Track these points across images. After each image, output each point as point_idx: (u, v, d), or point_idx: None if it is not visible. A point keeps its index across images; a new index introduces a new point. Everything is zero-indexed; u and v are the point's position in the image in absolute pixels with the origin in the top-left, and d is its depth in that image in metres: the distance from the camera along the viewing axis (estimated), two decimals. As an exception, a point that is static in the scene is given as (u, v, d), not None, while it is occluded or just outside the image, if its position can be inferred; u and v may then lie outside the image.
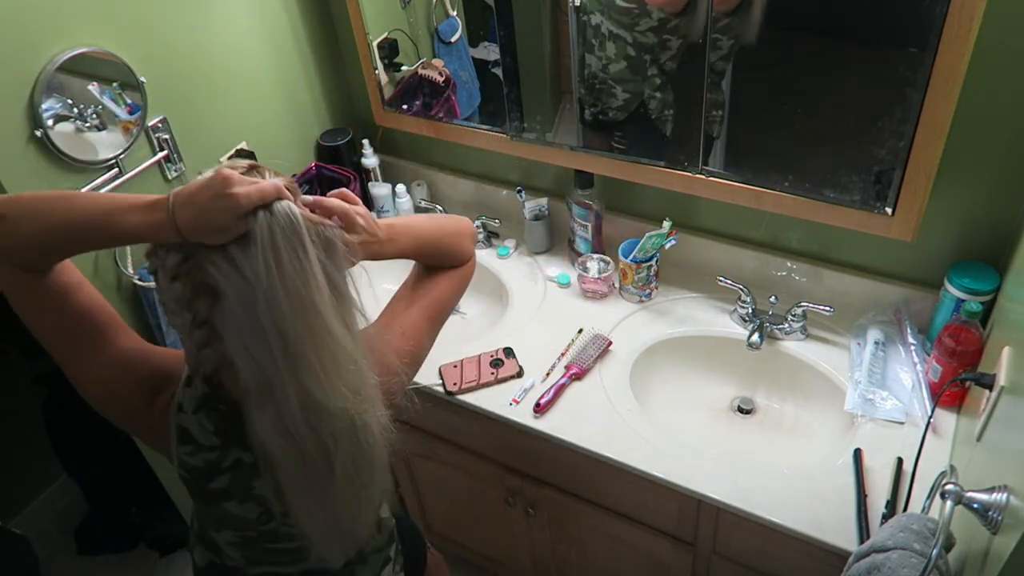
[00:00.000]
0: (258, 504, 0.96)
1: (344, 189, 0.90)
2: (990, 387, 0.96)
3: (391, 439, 0.92)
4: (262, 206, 0.76)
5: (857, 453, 1.25)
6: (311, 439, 0.83)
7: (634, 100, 1.48)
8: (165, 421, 0.94)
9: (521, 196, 1.74)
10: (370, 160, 1.88)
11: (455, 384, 1.47)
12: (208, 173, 0.79)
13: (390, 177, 1.94)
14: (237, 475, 0.94)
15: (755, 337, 1.44)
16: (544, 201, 1.75)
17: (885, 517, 1.15)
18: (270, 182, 0.78)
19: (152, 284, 1.44)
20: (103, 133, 1.38)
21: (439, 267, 1.08)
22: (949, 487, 0.81)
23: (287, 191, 0.79)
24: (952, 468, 0.93)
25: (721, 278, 1.53)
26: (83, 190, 0.87)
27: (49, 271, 0.88)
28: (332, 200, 0.87)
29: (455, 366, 1.51)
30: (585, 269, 1.64)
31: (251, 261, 0.76)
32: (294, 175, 1.80)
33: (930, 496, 1.02)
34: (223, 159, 0.83)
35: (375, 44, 1.73)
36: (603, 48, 1.45)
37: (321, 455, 0.85)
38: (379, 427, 0.89)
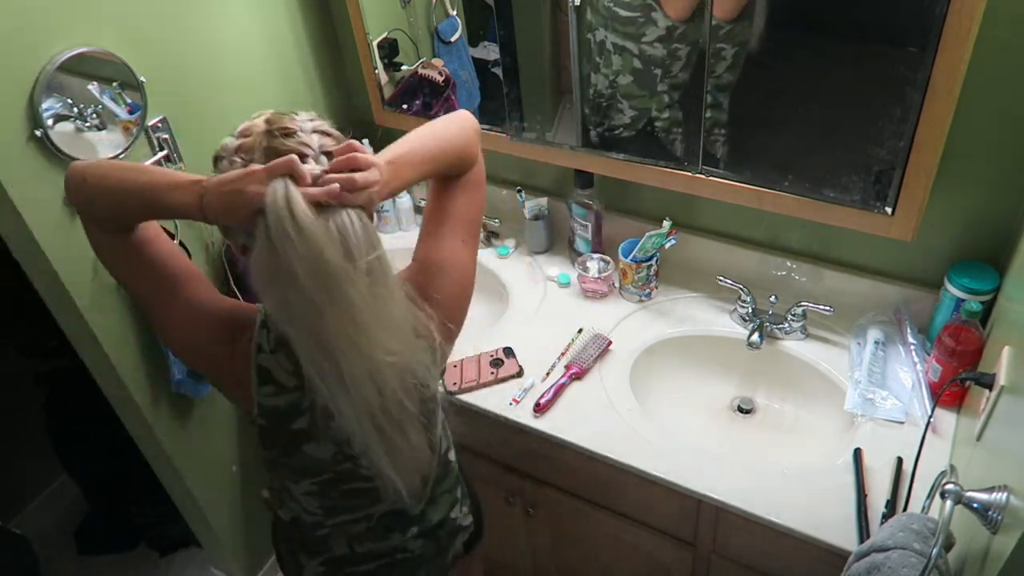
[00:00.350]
0: (334, 444, 1.00)
1: (351, 143, 0.88)
2: (990, 387, 0.96)
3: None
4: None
5: (857, 453, 1.25)
6: (369, 389, 0.87)
7: (641, 117, 1.46)
8: (246, 364, 0.97)
9: (521, 196, 1.74)
10: (370, 160, 1.88)
11: (455, 384, 1.47)
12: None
13: (390, 177, 1.94)
14: (315, 415, 0.98)
15: (755, 337, 1.44)
16: (544, 201, 1.75)
17: (885, 517, 1.15)
18: (279, 183, 0.80)
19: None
20: (103, 133, 1.38)
21: (452, 178, 1.05)
22: (949, 487, 0.81)
23: (298, 172, 0.81)
24: (952, 468, 0.93)
25: (721, 278, 1.53)
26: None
27: (130, 232, 0.96)
28: (334, 176, 0.84)
29: (455, 366, 1.51)
30: (585, 269, 1.64)
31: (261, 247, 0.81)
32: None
33: (930, 496, 1.02)
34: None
35: (375, 44, 1.73)
36: (609, 64, 1.43)
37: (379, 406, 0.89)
38: (426, 370, 0.92)
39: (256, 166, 0.82)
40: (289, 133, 0.88)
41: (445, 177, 1.04)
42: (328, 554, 1.15)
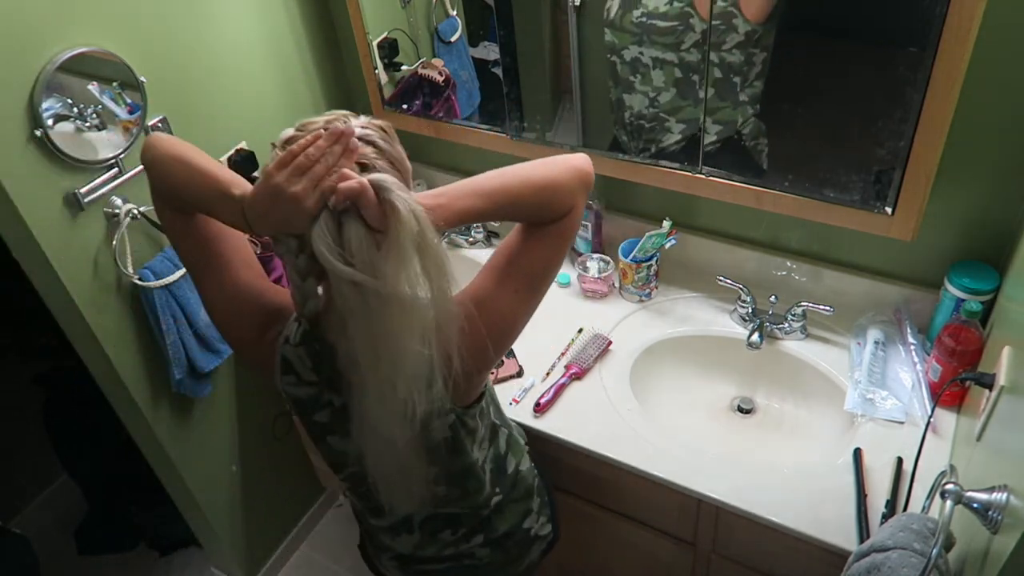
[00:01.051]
0: (356, 443, 1.00)
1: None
2: (990, 387, 0.96)
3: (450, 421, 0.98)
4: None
5: (857, 453, 1.25)
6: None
7: (691, 129, 1.40)
8: (272, 352, 0.99)
9: (521, 196, 1.74)
10: (370, 160, 1.88)
11: (455, 384, 1.47)
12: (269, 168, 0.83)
13: (390, 177, 1.94)
14: (334, 413, 1.00)
15: (755, 337, 1.44)
16: (544, 201, 1.74)
17: (885, 517, 1.15)
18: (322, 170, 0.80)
19: (151, 284, 1.45)
20: (103, 133, 1.37)
21: (537, 223, 0.95)
22: (949, 487, 0.81)
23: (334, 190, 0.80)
24: (952, 468, 0.93)
25: (721, 278, 1.53)
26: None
27: (193, 215, 0.98)
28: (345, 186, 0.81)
29: (455, 366, 1.51)
30: (585, 269, 1.64)
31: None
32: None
33: (930, 496, 1.02)
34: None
35: (375, 44, 1.73)
36: (647, 81, 1.38)
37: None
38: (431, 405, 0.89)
39: (296, 187, 0.79)
40: None
41: (527, 221, 0.96)
42: (393, 551, 1.18)
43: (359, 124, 0.87)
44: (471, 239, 1.83)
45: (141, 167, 1.43)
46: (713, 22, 1.26)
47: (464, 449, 1.04)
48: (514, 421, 1.23)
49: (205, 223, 0.99)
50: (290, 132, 0.88)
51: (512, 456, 1.17)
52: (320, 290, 0.88)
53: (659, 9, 1.30)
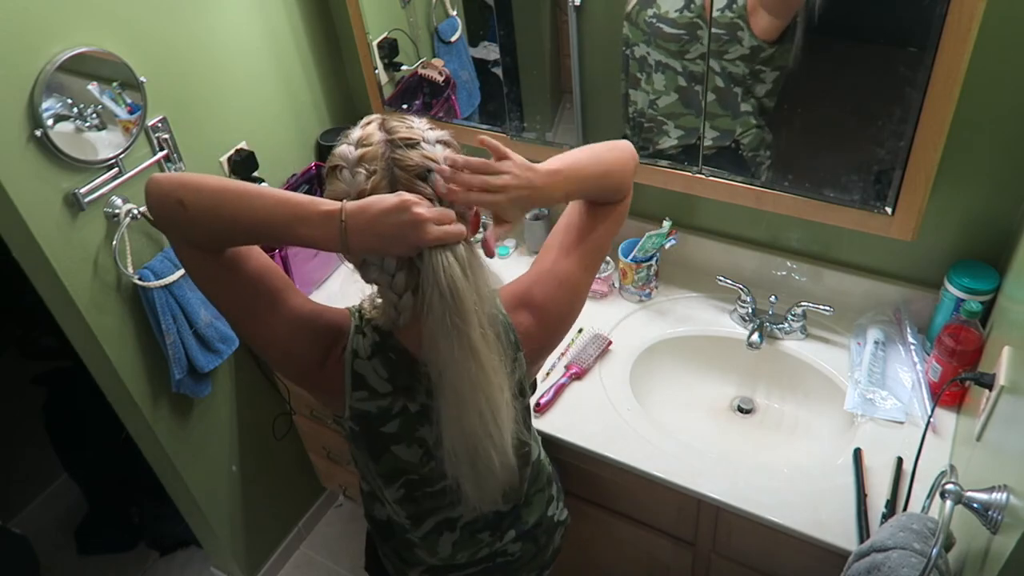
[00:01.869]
0: (420, 446, 1.01)
1: (494, 145, 0.89)
2: (990, 387, 0.96)
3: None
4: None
5: (857, 453, 1.25)
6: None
7: (689, 137, 1.41)
8: (339, 370, 0.96)
9: (521, 196, 1.74)
10: (370, 160, 1.88)
11: (455, 384, 1.47)
12: (390, 198, 0.81)
13: (390, 177, 1.94)
14: (404, 421, 0.99)
15: (755, 337, 1.45)
16: (544, 201, 1.74)
17: (885, 517, 1.15)
18: (456, 229, 0.84)
19: (151, 284, 1.45)
20: (103, 133, 1.37)
21: (596, 204, 1.04)
22: (949, 486, 0.81)
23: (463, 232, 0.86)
24: (952, 468, 0.93)
25: (721, 278, 1.53)
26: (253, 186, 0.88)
27: (223, 251, 0.92)
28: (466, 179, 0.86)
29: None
30: (585, 269, 1.64)
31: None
32: (294, 175, 1.80)
33: (930, 496, 1.02)
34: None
35: (375, 44, 1.73)
36: (650, 81, 1.39)
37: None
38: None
39: (421, 209, 0.81)
40: (412, 143, 0.85)
41: (593, 201, 1.04)
42: (425, 564, 1.16)
43: (425, 126, 0.89)
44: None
45: (141, 167, 1.46)
46: (717, 30, 1.26)
47: (526, 437, 1.06)
48: None
49: (247, 260, 0.93)
50: (352, 151, 0.86)
51: (534, 444, 1.17)
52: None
53: (669, 14, 1.30)
